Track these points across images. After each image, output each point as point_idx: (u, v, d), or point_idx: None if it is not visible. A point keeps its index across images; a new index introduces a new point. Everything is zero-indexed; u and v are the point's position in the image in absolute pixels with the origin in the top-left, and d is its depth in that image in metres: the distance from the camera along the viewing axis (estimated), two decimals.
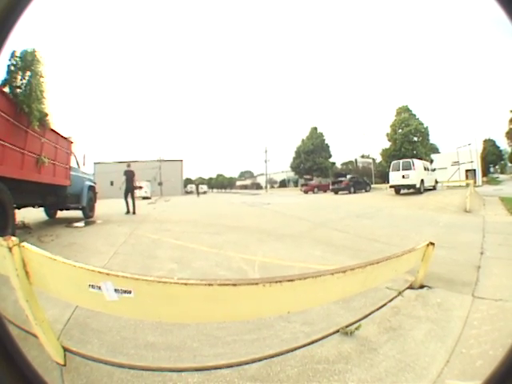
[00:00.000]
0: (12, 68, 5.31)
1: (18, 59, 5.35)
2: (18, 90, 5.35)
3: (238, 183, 72.80)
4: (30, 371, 1.12)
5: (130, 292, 1.48)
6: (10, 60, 5.29)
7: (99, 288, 1.50)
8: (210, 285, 1.51)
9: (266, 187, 50.27)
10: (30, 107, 5.44)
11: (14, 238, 1.58)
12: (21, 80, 5.40)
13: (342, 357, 1.91)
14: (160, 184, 42.37)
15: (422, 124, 31.98)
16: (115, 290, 1.48)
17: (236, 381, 1.67)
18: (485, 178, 34.89)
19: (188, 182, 60.39)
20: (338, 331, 2.23)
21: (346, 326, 2.27)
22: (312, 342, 2.11)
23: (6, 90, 5.22)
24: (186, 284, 1.49)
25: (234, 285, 1.54)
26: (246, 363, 1.83)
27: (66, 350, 1.81)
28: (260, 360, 1.87)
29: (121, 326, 2.22)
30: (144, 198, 30.40)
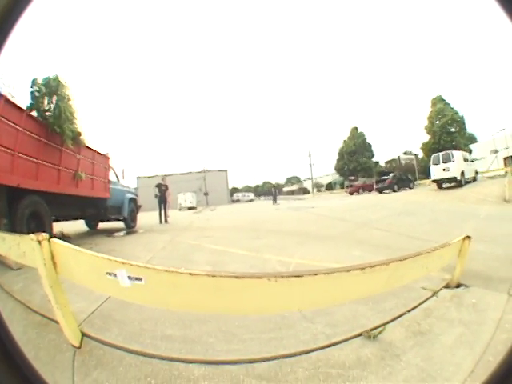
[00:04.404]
0: (36, 94, 5.60)
1: (41, 86, 5.61)
2: (48, 113, 5.67)
3: (285, 189, 72.24)
4: (29, 371, 1.16)
5: (141, 279, 1.59)
6: (31, 87, 5.57)
7: (115, 275, 1.63)
8: (213, 276, 1.53)
9: (312, 191, 49.24)
10: (62, 127, 5.76)
11: (43, 234, 1.80)
12: (48, 104, 5.70)
13: (360, 362, 1.77)
14: (206, 194, 43.74)
15: (457, 113, 30.98)
16: (128, 278, 1.60)
17: (241, 377, 1.64)
18: None
19: (234, 190, 62.07)
20: (361, 334, 2.08)
21: (372, 329, 2.11)
22: (330, 345, 1.99)
23: (34, 113, 5.51)
24: (190, 274, 1.54)
25: (238, 277, 1.54)
26: (256, 361, 1.79)
27: (84, 334, 1.95)
28: (271, 359, 1.81)
29: (143, 318, 2.32)
30: (190, 208, 31.65)
